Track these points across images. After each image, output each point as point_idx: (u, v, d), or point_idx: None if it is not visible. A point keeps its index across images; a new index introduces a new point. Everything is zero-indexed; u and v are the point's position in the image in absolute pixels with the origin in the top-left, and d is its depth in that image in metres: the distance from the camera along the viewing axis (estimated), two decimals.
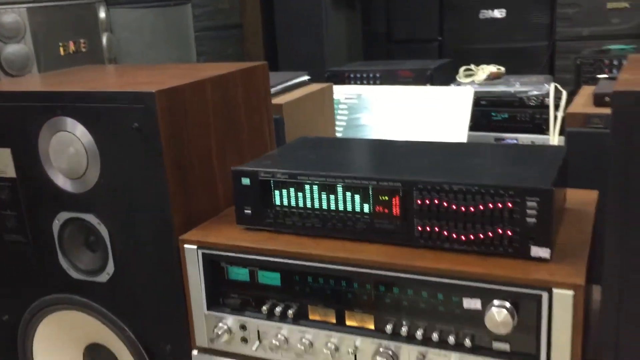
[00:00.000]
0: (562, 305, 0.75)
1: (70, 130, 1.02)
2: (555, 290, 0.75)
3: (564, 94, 2.11)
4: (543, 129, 2.20)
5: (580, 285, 0.74)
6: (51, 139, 1.04)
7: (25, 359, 1.21)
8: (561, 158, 0.91)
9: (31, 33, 2.14)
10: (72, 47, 2.28)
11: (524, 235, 0.80)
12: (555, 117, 2.06)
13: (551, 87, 2.20)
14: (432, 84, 2.37)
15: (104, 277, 1.07)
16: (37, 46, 2.16)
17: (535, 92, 2.22)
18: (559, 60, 3.04)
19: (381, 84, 2.45)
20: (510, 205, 0.80)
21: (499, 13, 3.23)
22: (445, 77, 2.51)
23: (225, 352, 1.00)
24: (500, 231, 0.81)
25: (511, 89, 2.29)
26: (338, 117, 2.20)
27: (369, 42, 3.48)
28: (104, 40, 2.45)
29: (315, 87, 1.87)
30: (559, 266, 0.79)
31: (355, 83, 2.48)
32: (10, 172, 1.10)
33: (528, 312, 0.77)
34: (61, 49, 2.25)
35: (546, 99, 2.19)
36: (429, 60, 2.78)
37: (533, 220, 0.79)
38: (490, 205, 0.81)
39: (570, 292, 0.75)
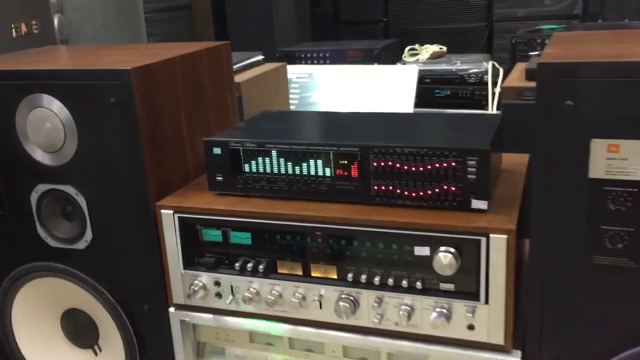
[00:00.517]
0: (497, 248, 0.88)
1: (47, 106, 1.08)
2: (492, 236, 0.88)
3: (501, 71, 2.26)
4: (482, 105, 2.35)
5: (512, 230, 0.87)
6: (28, 115, 1.10)
7: (4, 326, 1.27)
8: (497, 125, 1.04)
9: None
10: (24, 28, 2.29)
11: (465, 190, 0.92)
12: (493, 93, 2.21)
13: (489, 65, 2.35)
14: (379, 63, 2.49)
15: (82, 245, 1.15)
16: None
17: (474, 70, 2.37)
18: (496, 40, 3.21)
19: (330, 63, 2.55)
20: (453, 164, 0.92)
21: None
22: (392, 56, 2.64)
23: (201, 307, 1.09)
24: (445, 187, 0.93)
25: (452, 68, 2.43)
26: (291, 95, 2.29)
27: (317, 23, 3.57)
28: (56, 21, 2.46)
29: (269, 66, 1.96)
30: (495, 216, 0.92)
31: (306, 63, 2.58)
32: None
33: (469, 256, 0.90)
34: (13, 31, 2.25)
35: (485, 76, 2.34)
36: (375, 40, 2.89)
37: (473, 177, 0.91)
38: (437, 165, 0.93)
39: (504, 237, 0.88)
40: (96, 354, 1.26)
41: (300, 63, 2.59)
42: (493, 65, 2.33)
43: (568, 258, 0.85)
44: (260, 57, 1.95)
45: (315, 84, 2.39)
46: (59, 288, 1.21)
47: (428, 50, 2.62)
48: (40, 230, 1.16)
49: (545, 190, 0.84)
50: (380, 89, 2.28)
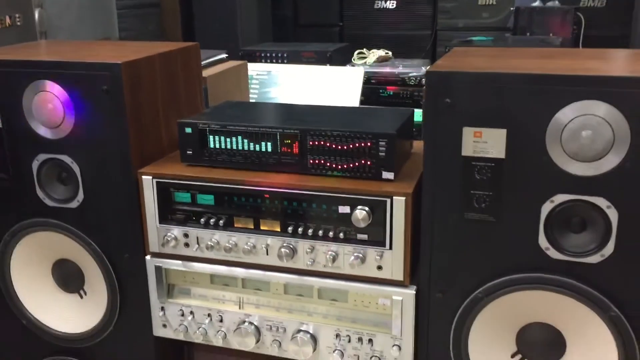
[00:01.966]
0: (398, 207, 1.18)
1: (50, 90, 1.34)
2: (395, 198, 1.18)
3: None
4: (420, 104, 2.67)
5: (409, 194, 1.18)
6: (34, 97, 1.36)
7: (3, 274, 1.51)
8: (407, 117, 1.34)
9: None
10: (8, 21, 2.51)
11: (377, 165, 1.23)
12: None
13: (426, 69, 2.67)
14: (331, 64, 2.79)
15: (74, 204, 1.41)
16: None
17: (414, 73, 2.69)
18: (439, 47, 3.55)
19: (288, 63, 2.84)
20: (369, 144, 1.22)
21: (390, 4, 3.70)
22: (342, 58, 2.94)
23: (172, 254, 1.37)
24: (362, 162, 1.23)
25: (395, 71, 2.74)
26: (251, 90, 2.56)
27: (278, 25, 3.86)
28: (37, 15, 2.68)
29: (232, 63, 2.23)
30: (398, 184, 1.22)
31: (266, 61, 2.86)
32: None
33: (379, 213, 1.20)
34: None
35: (423, 79, 2.66)
36: (329, 43, 3.19)
37: (383, 154, 1.22)
38: (357, 145, 1.23)
39: (403, 199, 1.18)
40: (81, 297, 1.52)
41: (260, 61, 2.86)
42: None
43: (448, 215, 1.16)
44: (224, 55, 2.23)
45: (273, 81, 2.67)
46: (52, 241, 1.47)
47: (375, 54, 2.93)
48: (39, 192, 1.42)
49: (432, 165, 1.15)
50: (331, 87, 2.57)
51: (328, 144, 1.24)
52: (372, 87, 2.73)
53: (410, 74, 2.69)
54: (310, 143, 1.25)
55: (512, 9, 3.33)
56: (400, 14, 3.67)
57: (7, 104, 1.38)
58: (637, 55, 1.29)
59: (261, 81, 2.68)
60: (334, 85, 2.55)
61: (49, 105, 1.35)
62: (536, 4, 3.31)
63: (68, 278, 1.52)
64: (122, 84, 1.29)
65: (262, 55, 2.87)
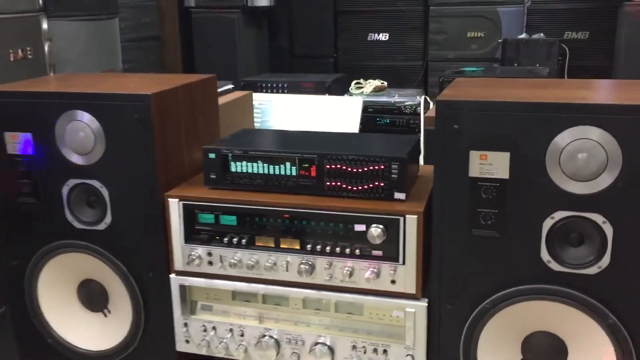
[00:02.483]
0: (411, 225, 1.28)
1: (82, 120, 1.44)
2: (407, 216, 1.28)
3: (431, 104, 2.71)
4: (416, 131, 2.79)
5: (421, 212, 1.28)
6: (66, 126, 1.45)
7: (30, 295, 1.59)
8: (414, 142, 1.45)
9: None
10: (20, 54, 2.61)
11: (390, 186, 1.33)
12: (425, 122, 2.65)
13: (422, 99, 2.80)
14: (330, 93, 2.91)
15: (102, 226, 1.49)
16: None
17: (409, 102, 2.82)
18: (430, 77, 3.70)
19: (288, 92, 2.96)
20: (382, 167, 1.32)
21: (383, 36, 3.85)
22: (340, 88, 3.06)
23: (196, 272, 1.45)
24: (376, 183, 1.33)
25: (391, 100, 2.87)
26: (254, 118, 2.67)
27: (275, 56, 3.99)
28: (46, 48, 2.78)
29: (239, 94, 2.34)
30: (410, 203, 1.32)
31: (266, 91, 2.98)
32: (30, 151, 1.49)
33: (392, 230, 1.30)
34: (11, 55, 2.57)
35: (418, 108, 2.79)
36: (326, 74, 3.32)
37: (395, 176, 1.32)
38: (370, 168, 1.33)
39: (415, 217, 1.28)
40: (105, 315, 1.59)
41: (261, 91, 2.98)
42: (425, 98, 2.79)
43: (457, 231, 1.26)
44: (231, 86, 2.34)
45: (275, 110, 2.78)
46: (78, 262, 1.54)
47: (371, 84, 3.06)
48: (68, 215, 1.50)
49: (441, 185, 1.25)
50: (330, 116, 2.69)
51: (344, 167, 1.35)
52: (370, 115, 2.85)
53: (406, 103, 2.82)
54: (327, 166, 1.36)
55: (499, 41, 3.49)
56: (392, 45, 3.82)
57: (40, 132, 1.47)
58: (622, 85, 1.41)
59: (263, 110, 2.79)
60: (334, 114, 2.67)
61: (80, 133, 1.44)
62: (522, 36, 3.47)
63: (92, 297, 1.59)
64: (151, 113, 1.39)
65: (263, 85, 2.99)
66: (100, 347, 1.58)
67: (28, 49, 2.65)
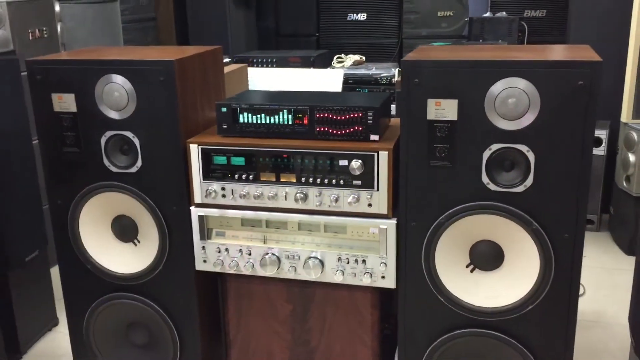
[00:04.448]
0: (383, 159, 1.64)
1: (117, 82, 1.77)
2: (380, 152, 1.64)
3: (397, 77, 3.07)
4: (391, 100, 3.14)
5: (390, 149, 1.64)
6: (104, 87, 1.78)
7: (73, 228, 1.92)
8: (385, 97, 1.81)
9: (10, 22, 2.76)
10: (37, 33, 2.92)
11: (366, 129, 1.69)
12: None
13: (396, 71, 3.16)
14: (314, 67, 3.25)
15: (134, 169, 1.83)
16: (13, 32, 2.78)
17: (385, 74, 3.17)
18: (405, 53, 4.06)
19: (277, 66, 3.30)
20: (360, 115, 1.68)
21: (361, 16, 4.20)
22: (323, 63, 3.41)
23: (212, 204, 1.80)
24: (356, 128, 1.69)
25: (369, 72, 3.22)
26: (249, 88, 3.01)
27: (262, 35, 4.32)
28: (59, 28, 3.09)
29: (235, 66, 2.68)
30: (382, 143, 1.68)
31: (257, 66, 3.31)
32: (73, 108, 1.82)
33: (369, 164, 1.66)
34: (30, 35, 2.88)
35: (392, 79, 3.15)
36: (311, 50, 3.66)
37: (370, 122, 1.68)
38: (352, 115, 1.69)
39: (386, 152, 1.64)
40: (135, 245, 1.94)
41: (252, 66, 3.31)
42: (398, 70, 3.14)
43: (418, 162, 1.62)
44: (229, 59, 2.68)
45: (266, 82, 3.12)
46: (112, 200, 1.88)
47: (351, 59, 3.41)
48: (105, 161, 1.84)
49: (406, 127, 1.61)
50: (316, 86, 3.03)
51: (330, 116, 1.70)
52: (350, 85, 3.20)
53: (382, 75, 3.17)
54: (317, 115, 1.71)
55: (466, 19, 3.85)
56: (370, 24, 4.17)
57: (81, 93, 1.80)
58: (546, 48, 1.78)
59: (255, 82, 3.12)
60: (319, 85, 3.02)
61: (115, 93, 1.78)
62: (487, 14, 3.84)
63: (124, 230, 1.93)
64: (175, 76, 1.73)
65: (254, 60, 3.32)
66: (132, 270, 1.93)
67: (44, 29, 2.96)
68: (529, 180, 1.56)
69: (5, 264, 2.27)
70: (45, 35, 2.96)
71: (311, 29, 4.27)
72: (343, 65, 3.39)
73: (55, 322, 2.57)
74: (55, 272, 2.52)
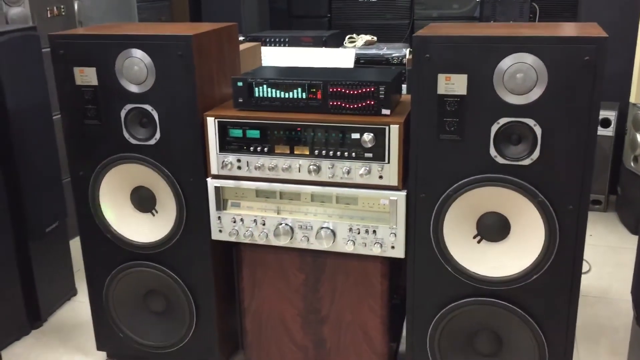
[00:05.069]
0: (394, 132, 1.70)
1: (136, 56, 1.83)
2: (391, 126, 1.70)
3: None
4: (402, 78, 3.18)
5: (401, 123, 1.69)
6: (124, 62, 1.84)
7: (94, 198, 1.99)
8: (397, 73, 1.86)
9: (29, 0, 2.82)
10: (55, 11, 2.97)
11: (378, 104, 1.74)
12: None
13: (407, 51, 3.19)
14: (326, 47, 3.29)
15: (152, 142, 1.89)
16: (32, 9, 2.84)
17: (396, 54, 3.21)
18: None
19: (289, 46, 3.34)
20: (372, 89, 1.73)
21: None
22: (335, 42, 3.44)
23: (228, 175, 1.87)
24: (368, 102, 1.74)
25: (380, 52, 3.26)
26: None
27: (274, 15, 4.36)
28: (76, 6, 3.15)
29: (249, 44, 2.73)
30: (394, 117, 1.73)
31: (270, 45, 3.35)
32: (94, 82, 1.89)
33: (380, 137, 1.71)
34: (48, 12, 2.94)
35: (404, 59, 3.18)
36: (323, 30, 3.70)
37: (382, 96, 1.73)
38: (364, 90, 1.74)
39: (397, 126, 1.70)
40: (153, 215, 2.01)
41: (264, 45, 3.35)
42: (409, 50, 3.18)
43: (428, 136, 1.67)
44: (242, 37, 2.72)
45: (278, 61, 3.17)
46: (131, 172, 1.95)
47: (362, 39, 3.44)
48: (125, 134, 1.90)
49: (417, 101, 1.66)
50: (328, 65, 3.08)
51: (343, 90, 1.76)
52: (361, 65, 3.24)
53: (393, 55, 3.21)
54: (330, 90, 1.76)
55: (478, 0, 3.87)
56: (381, 5, 4.19)
57: (102, 66, 1.86)
58: (554, 25, 1.82)
59: (268, 61, 3.17)
60: (331, 64, 3.06)
61: (135, 67, 1.84)
62: None
63: (143, 201, 2.00)
64: (192, 50, 1.78)
65: (267, 40, 3.37)
66: (150, 240, 2.00)
67: (62, 7, 3.02)
68: (536, 154, 1.61)
69: (27, 234, 2.34)
70: (63, 13, 3.02)
71: (323, 10, 4.30)
72: (354, 46, 3.42)
73: (74, 292, 2.65)
74: (73, 244, 2.61)
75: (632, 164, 3.16)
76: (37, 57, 2.36)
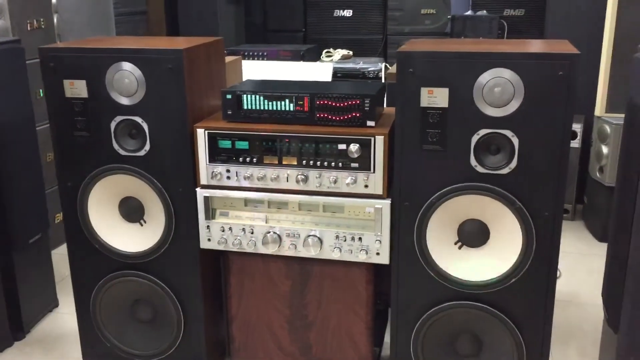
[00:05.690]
0: (379, 143, 1.77)
1: (127, 69, 1.87)
2: (376, 137, 1.77)
3: (390, 69, 3.20)
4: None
5: (386, 134, 1.77)
6: (115, 74, 1.88)
7: (82, 209, 2.02)
8: (380, 86, 1.94)
9: (9, 13, 2.83)
10: (35, 24, 2.99)
11: (364, 116, 1.81)
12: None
13: (382, 65, 3.29)
14: (304, 60, 3.37)
15: (142, 153, 1.93)
16: (12, 22, 2.85)
17: (372, 68, 3.30)
18: (389, 49, 4.20)
19: (267, 59, 3.41)
20: (358, 102, 1.81)
21: (347, 12, 4.32)
22: (312, 56, 3.53)
23: (217, 185, 1.91)
24: (354, 114, 1.82)
25: (357, 66, 3.35)
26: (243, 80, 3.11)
27: (250, 30, 4.42)
28: (55, 19, 3.16)
29: (231, 57, 2.78)
30: (378, 129, 1.81)
31: (249, 59, 3.42)
32: (84, 94, 1.92)
33: (366, 148, 1.78)
34: (28, 25, 2.95)
35: (379, 73, 3.28)
36: (299, 44, 3.77)
37: (367, 108, 1.81)
38: (350, 102, 1.81)
39: (382, 137, 1.77)
40: (141, 225, 2.04)
41: (245, 59, 3.41)
42: (385, 65, 3.28)
43: (411, 146, 1.75)
44: (225, 51, 2.78)
45: (258, 74, 3.23)
46: (120, 182, 1.98)
47: (339, 53, 3.53)
48: (114, 145, 1.94)
49: (401, 113, 1.74)
50: (306, 79, 3.15)
51: (329, 102, 1.83)
52: (339, 79, 3.33)
53: (369, 69, 3.31)
54: (317, 102, 1.83)
55: (448, 17, 4.00)
56: (355, 21, 4.30)
57: (93, 79, 1.90)
58: (527, 42, 1.93)
59: (248, 74, 3.23)
60: (310, 77, 3.14)
61: (125, 80, 1.88)
62: (468, 13, 3.99)
63: (131, 211, 2.03)
64: (183, 64, 1.84)
65: (246, 53, 3.43)
66: (138, 249, 2.03)
67: (42, 20, 3.03)
68: (513, 163, 1.70)
69: (10, 245, 2.35)
70: (43, 26, 3.03)
71: (298, 24, 4.38)
72: (332, 60, 3.51)
73: (55, 304, 2.65)
74: (54, 255, 2.62)
75: (597, 175, 3.30)
76: (22, 70, 2.37)
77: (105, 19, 3.63)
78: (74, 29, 3.34)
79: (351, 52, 3.60)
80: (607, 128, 3.19)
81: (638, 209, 1.66)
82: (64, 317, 2.58)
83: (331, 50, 3.61)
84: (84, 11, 3.42)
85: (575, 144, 3.41)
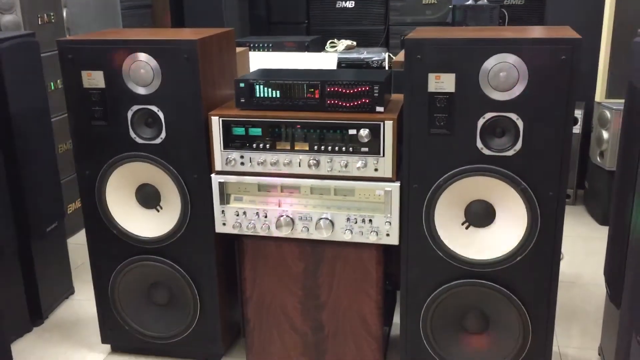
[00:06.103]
0: (388, 127, 1.84)
1: (143, 60, 1.93)
2: (386, 122, 1.84)
3: (393, 58, 3.26)
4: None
5: (395, 119, 1.83)
6: (131, 65, 1.94)
7: (100, 196, 2.08)
8: (388, 74, 2.00)
9: (20, 7, 2.88)
10: (45, 18, 3.05)
11: (373, 101, 1.88)
12: None
13: (386, 55, 3.35)
14: (308, 51, 3.43)
15: (158, 141, 1.99)
16: (24, 17, 2.91)
17: (376, 58, 3.36)
18: (392, 39, 4.25)
19: (273, 50, 3.47)
20: (367, 88, 1.87)
21: (349, 4, 4.38)
22: (317, 47, 3.58)
23: (231, 171, 1.98)
24: (363, 100, 1.88)
25: (361, 56, 3.41)
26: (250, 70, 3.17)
27: (254, 22, 4.48)
28: (64, 14, 3.22)
29: (239, 49, 2.84)
30: (387, 114, 1.87)
31: (255, 50, 3.47)
32: (101, 85, 1.98)
33: (375, 132, 1.85)
34: (39, 19, 3.01)
35: (383, 62, 3.34)
36: (302, 35, 3.83)
37: (376, 94, 1.87)
38: (359, 89, 1.88)
39: (391, 122, 1.84)
40: (158, 211, 2.11)
41: (251, 50, 3.47)
42: (388, 55, 3.34)
43: (420, 130, 1.82)
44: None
45: (265, 65, 3.29)
46: (137, 170, 2.05)
47: (343, 43, 3.59)
48: (131, 133, 2.00)
49: (409, 98, 1.81)
50: (312, 68, 3.21)
51: (340, 89, 1.89)
52: (343, 69, 3.38)
53: (373, 59, 3.36)
54: (328, 89, 1.90)
55: (450, 6, 4.05)
56: (357, 12, 4.35)
57: (110, 70, 1.96)
58: (530, 29, 1.99)
59: (255, 65, 3.29)
60: (315, 67, 3.19)
61: (142, 70, 1.94)
62: (469, 2, 4.05)
63: (148, 197, 2.10)
64: (197, 54, 1.90)
65: (252, 45, 3.48)
66: (155, 234, 2.10)
67: (52, 14, 3.09)
68: (518, 145, 1.76)
69: (29, 234, 2.41)
70: (53, 20, 3.09)
71: (301, 16, 4.44)
72: (336, 50, 3.57)
73: (71, 291, 2.72)
74: (68, 244, 2.69)
75: (598, 159, 3.37)
76: (37, 62, 2.43)
77: (112, 13, 3.69)
78: (82, 22, 3.40)
79: (355, 43, 3.65)
80: (608, 113, 3.25)
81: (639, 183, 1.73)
82: (81, 303, 2.65)
83: (335, 40, 3.66)
84: (92, 5, 3.47)
85: (576, 129, 3.48)
